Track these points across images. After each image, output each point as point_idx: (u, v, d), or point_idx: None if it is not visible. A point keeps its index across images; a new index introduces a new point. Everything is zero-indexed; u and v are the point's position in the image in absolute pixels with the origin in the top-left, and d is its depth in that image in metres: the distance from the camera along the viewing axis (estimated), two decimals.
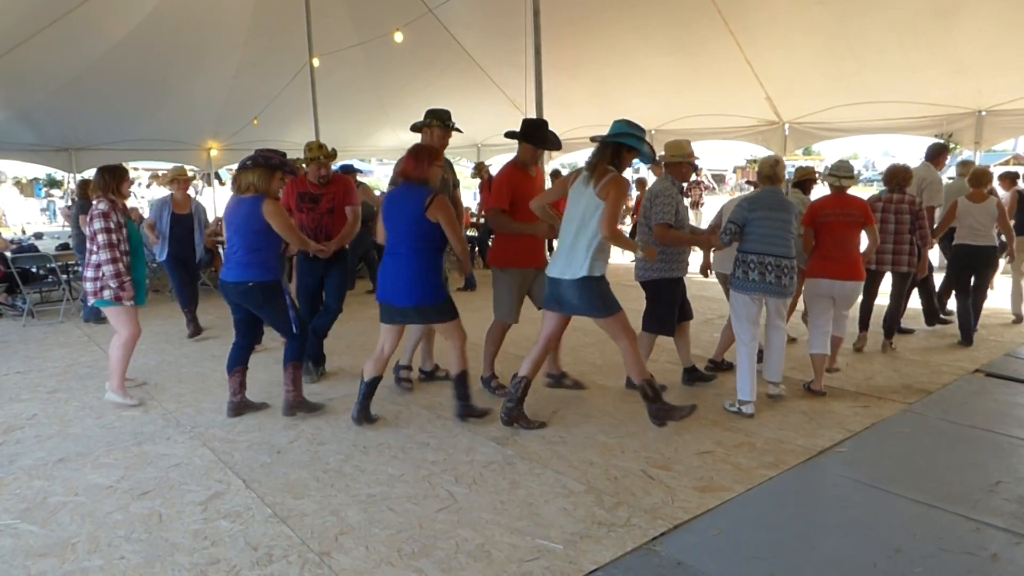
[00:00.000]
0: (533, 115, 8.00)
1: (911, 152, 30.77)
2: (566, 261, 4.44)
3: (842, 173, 5.59)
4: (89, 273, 5.21)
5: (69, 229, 9.08)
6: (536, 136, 5.18)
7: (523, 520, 3.50)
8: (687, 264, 5.41)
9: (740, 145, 17.91)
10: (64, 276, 9.28)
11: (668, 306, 5.31)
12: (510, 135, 5.25)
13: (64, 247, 9.84)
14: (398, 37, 11.81)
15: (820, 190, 6.12)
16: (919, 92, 10.21)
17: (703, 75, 11.77)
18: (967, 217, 6.94)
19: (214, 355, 6.71)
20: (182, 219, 7.65)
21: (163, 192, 8.94)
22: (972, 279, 6.94)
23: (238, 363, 5.11)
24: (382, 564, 3.13)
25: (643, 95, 12.96)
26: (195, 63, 13.03)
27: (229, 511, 3.66)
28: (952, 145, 10.33)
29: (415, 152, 4.62)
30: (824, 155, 35.51)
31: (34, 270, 9.37)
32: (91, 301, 5.29)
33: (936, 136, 10.52)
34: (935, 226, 7.40)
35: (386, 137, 17.96)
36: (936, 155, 7.64)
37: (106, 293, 5.15)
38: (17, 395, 5.69)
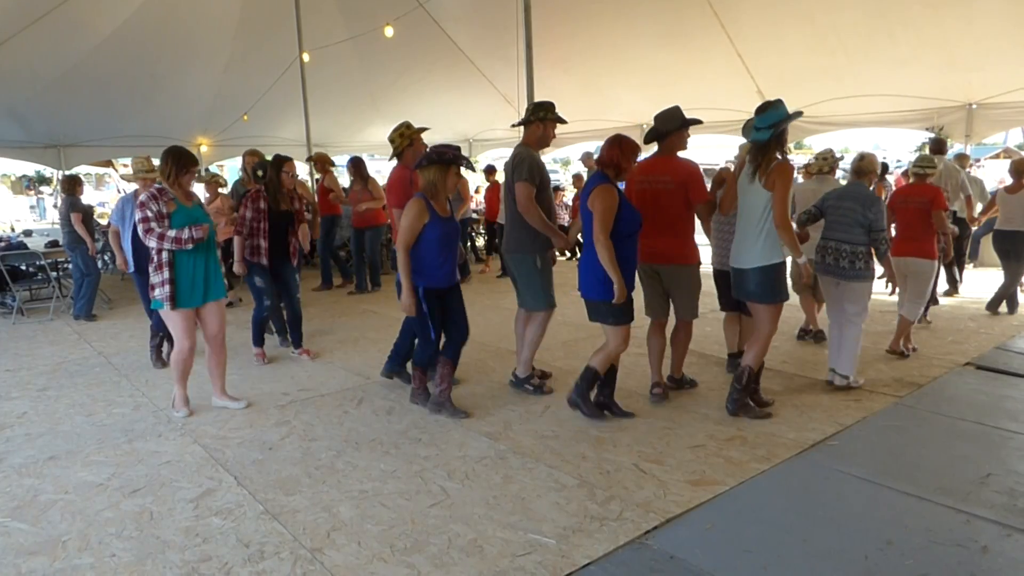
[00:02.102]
0: (523, 109, 8.00)
1: (902, 146, 30.85)
2: (743, 251, 4.69)
3: (924, 164, 6.39)
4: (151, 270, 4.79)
5: (59, 227, 8.98)
6: (686, 119, 5.05)
7: (516, 515, 3.50)
8: None
9: (731, 139, 17.87)
10: (54, 273, 9.22)
11: None
12: (656, 136, 5.05)
13: (54, 244, 9.77)
14: (388, 31, 11.78)
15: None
16: (910, 85, 10.24)
17: (694, 68, 11.78)
18: (1004, 206, 7.89)
19: (203, 351, 6.65)
20: None
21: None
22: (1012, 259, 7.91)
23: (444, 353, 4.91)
24: (374, 560, 3.13)
25: (634, 88, 12.96)
26: (184, 58, 12.97)
27: (221, 508, 3.64)
28: (943, 138, 10.37)
29: (616, 139, 4.53)
30: (814, 149, 35.54)
31: (23, 267, 9.31)
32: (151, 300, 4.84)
33: (927, 129, 10.56)
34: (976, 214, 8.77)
35: (377, 132, 17.89)
36: (944, 148, 8.75)
37: (157, 292, 4.73)
38: (7, 393, 5.66)
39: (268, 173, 6.24)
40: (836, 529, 3.33)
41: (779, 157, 4.56)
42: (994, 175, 19.28)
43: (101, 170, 27.66)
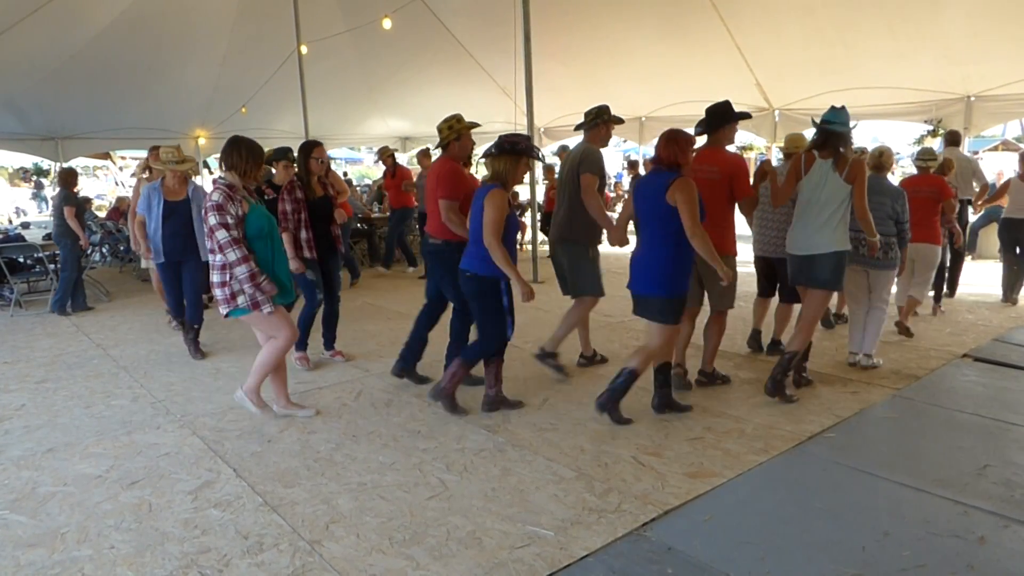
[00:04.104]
0: (523, 101, 8.01)
1: (900, 138, 30.78)
2: (814, 238, 4.88)
3: (926, 156, 6.84)
4: (216, 278, 4.36)
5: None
6: (737, 113, 5.25)
7: (514, 507, 3.50)
8: None
9: None
10: (52, 266, 9.20)
11: None
12: (707, 128, 5.18)
13: (51, 236, 9.74)
14: (386, 24, 11.74)
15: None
16: (908, 78, 10.22)
17: (693, 61, 11.75)
18: (1015, 195, 8.12)
19: (204, 344, 6.65)
20: (177, 208, 6.32)
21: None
22: (1019, 248, 8.15)
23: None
24: (373, 552, 3.14)
25: (633, 81, 12.94)
26: (182, 50, 12.93)
27: (219, 500, 3.65)
28: (942, 131, 10.36)
29: (672, 136, 4.43)
30: None
31: (21, 260, 9.30)
32: (223, 311, 4.42)
33: (925, 122, 10.54)
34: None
35: (375, 125, 17.89)
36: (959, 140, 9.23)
37: (240, 299, 4.35)
38: (5, 386, 5.66)
39: (297, 161, 5.96)
40: (833, 520, 3.34)
41: (852, 154, 4.91)
42: (992, 167, 19.26)
43: (99, 162, 27.60)
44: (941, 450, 4.13)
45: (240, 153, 4.37)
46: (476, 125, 5.41)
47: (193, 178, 6.83)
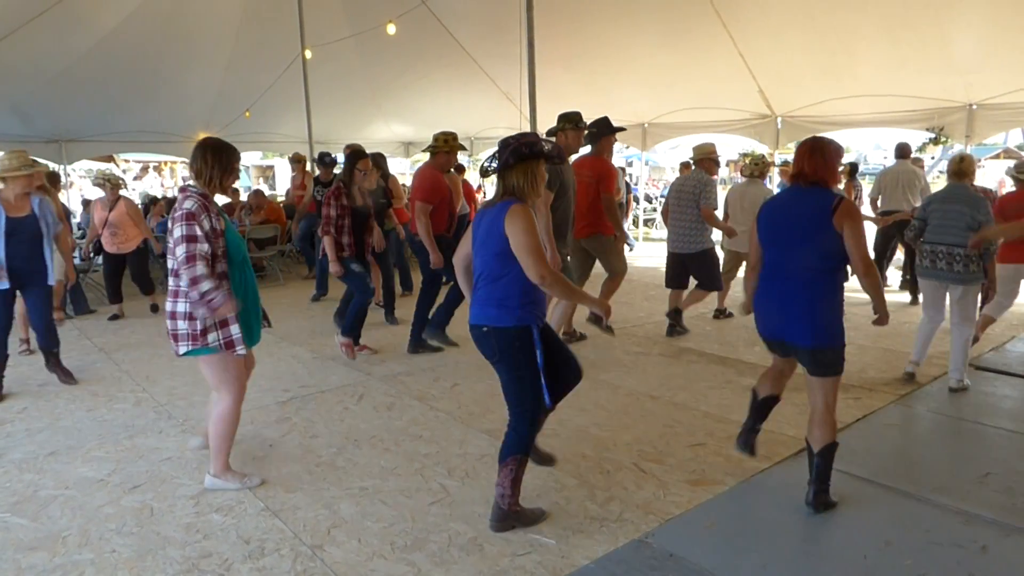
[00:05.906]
0: (526, 108, 8.03)
1: None
2: None
3: None
4: (180, 308, 3.53)
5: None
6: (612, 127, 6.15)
7: None
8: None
9: (733, 139, 17.82)
10: None
11: (717, 266, 6.76)
12: (597, 135, 6.11)
13: None
14: (391, 29, 11.77)
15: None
16: (911, 86, 10.23)
17: (696, 68, 11.76)
18: None
19: None
20: (21, 225, 5.32)
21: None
22: None
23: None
24: (375, 557, 3.14)
25: (636, 88, 12.95)
26: (186, 54, 12.96)
27: (221, 505, 3.65)
28: (944, 139, 10.38)
29: (816, 146, 3.51)
30: None
31: None
32: (181, 350, 3.56)
33: (927, 129, 10.55)
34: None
35: (379, 129, 17.90)
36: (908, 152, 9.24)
37: (211, 336, 3.53)
38: (7, 388, 5.65)
39: (344, 167, 6.09)
40: (835, 529, 3.34)
41: None
42: (994, 176, 19.27)
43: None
44: (943, 458, 4.13)
45: (205, 159, 3.57)
46: (463, 148, 6.15)
47: (38, 190, 5.66)
